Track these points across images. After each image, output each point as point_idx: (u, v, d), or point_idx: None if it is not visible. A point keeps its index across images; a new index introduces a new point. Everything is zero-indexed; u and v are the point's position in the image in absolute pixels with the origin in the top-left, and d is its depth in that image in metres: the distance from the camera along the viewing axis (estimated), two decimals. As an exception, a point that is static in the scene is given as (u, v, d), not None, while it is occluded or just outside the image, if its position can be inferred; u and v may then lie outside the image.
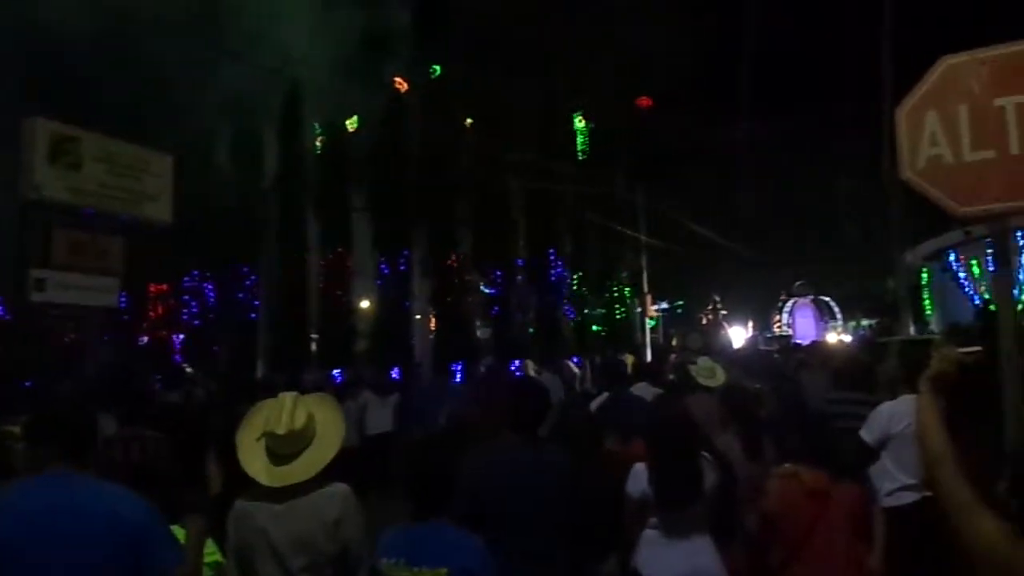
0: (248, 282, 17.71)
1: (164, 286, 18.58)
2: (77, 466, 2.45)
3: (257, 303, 17.66)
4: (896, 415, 4.73)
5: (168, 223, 11.95)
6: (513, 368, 17.06)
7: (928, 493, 4.36)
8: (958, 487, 2.30)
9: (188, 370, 12.66)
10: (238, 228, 17.13)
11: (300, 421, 3.18)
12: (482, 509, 3.16)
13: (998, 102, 3.10)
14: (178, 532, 2.77)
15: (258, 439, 3.19)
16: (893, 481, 4.69)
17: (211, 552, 2.94)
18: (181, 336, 18.40)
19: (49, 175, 10.55)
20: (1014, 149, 3.07)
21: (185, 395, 8.47)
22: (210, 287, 17.80)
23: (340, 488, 3.15)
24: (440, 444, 3.16)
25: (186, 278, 17.99)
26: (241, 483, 3.40)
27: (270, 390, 8.29)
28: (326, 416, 3.31)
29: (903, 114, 3.28)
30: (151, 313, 18.78)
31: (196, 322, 18.13)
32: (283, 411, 3.17)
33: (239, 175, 17.04)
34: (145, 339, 18.54)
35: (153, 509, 2.41)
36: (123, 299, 14.93)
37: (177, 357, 18.19)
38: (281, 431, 3.11)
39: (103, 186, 11.17)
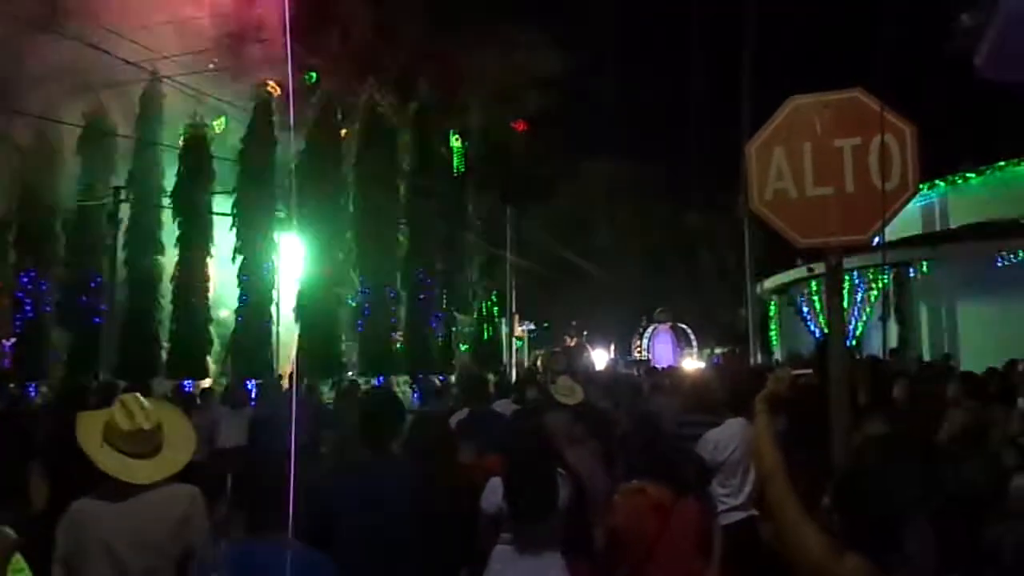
0: (93, 284, 16.49)
1: (-4, 284, 16.97)
2: None
3: (104, 307, 16.46)
4: (721, 442, 4.92)
5: (-1, 215, 10.97)
6: (378, 384, 16.76)
7: (754, 512, 4.59)
8: (788, 502, 2.42)
9: (11, 386, 11.60)
10: (85, 225, 15.96)
11: (151, 420, 3.00)
12: (328, 524, 3.04)
13: (838, 143, 3.34)
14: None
15: (102, 445, 2.95)
16: (721, 503, 4.91)
17: (19, 569, 2.67)
18: (11, 340, 16.82)
19: None
20: (850, 188, 3.31)
21: (9, 402, 7.74)
22: (47, 287, 16.42)
23: (187, 487, 3.01)
24: (284, 456, 3.01)
25: (22, 276, 16.49)
26: (69, 497, 3.13)
27: (108, 398, 7.71)
28: (173, 421, 3.16)
29: (753, 149, 3.48)
30: (-23, 313, 17.09)
31: (30, 325, 16.65)
32: (128, 408, 2.99)
33: (88, 169, 15.90)
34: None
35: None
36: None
37: (6, 362, 16.65)
38: (130, 426, 2.92)
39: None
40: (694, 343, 33.01)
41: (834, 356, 3.36)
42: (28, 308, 16.51)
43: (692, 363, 27.06)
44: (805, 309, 20.40)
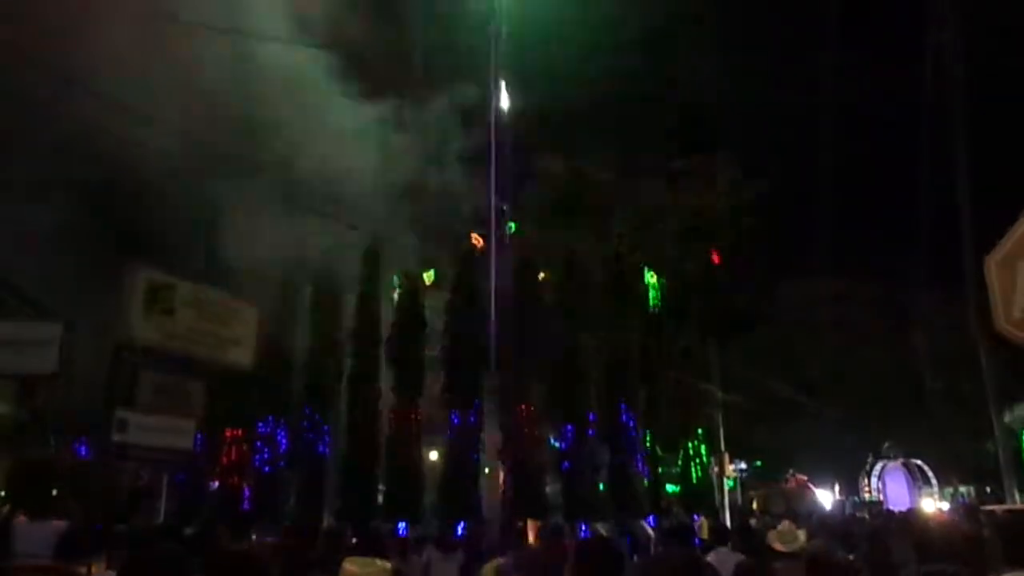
0: (320, 429, 17.75)
1: (240, 431, 18.73)
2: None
3: (327, 451, 17.61)
4: None
5: (249, 368, 12.32)
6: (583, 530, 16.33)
7: None
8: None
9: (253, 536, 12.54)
10: (313, 375, 17.42)
11: None
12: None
13: (1097, 251, 2.96)
14: None
15: None
16: None
17: None
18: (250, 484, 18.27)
19: (144, 320, 11.17)
20: (1120, 300, 2.89)
21: (249, 545, 8.33)
22: (283, 433, 17.88)
23: None
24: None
25: (260, 423, 18.10)
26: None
27: (337, 540, 8.10)
28: None
29: (993, 263, 3.17)
30: (224, 458, 18.83)
31: (267, 469, 18.06)
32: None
33: (315, 323, 17.53)
34: (215, 484, 18.50)
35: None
36: (199, 442, 15.09)
37: (246, 505, 18.02)
38: None
39: (191, 331, 11.70)
40: (933, 481, 29.35)
41: None
42: (265, 453, 17.97)
43: (932, 504, 23.99)
44: (1070, 440, 17.69)
